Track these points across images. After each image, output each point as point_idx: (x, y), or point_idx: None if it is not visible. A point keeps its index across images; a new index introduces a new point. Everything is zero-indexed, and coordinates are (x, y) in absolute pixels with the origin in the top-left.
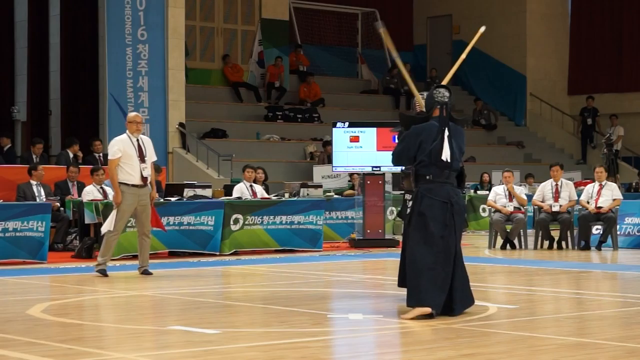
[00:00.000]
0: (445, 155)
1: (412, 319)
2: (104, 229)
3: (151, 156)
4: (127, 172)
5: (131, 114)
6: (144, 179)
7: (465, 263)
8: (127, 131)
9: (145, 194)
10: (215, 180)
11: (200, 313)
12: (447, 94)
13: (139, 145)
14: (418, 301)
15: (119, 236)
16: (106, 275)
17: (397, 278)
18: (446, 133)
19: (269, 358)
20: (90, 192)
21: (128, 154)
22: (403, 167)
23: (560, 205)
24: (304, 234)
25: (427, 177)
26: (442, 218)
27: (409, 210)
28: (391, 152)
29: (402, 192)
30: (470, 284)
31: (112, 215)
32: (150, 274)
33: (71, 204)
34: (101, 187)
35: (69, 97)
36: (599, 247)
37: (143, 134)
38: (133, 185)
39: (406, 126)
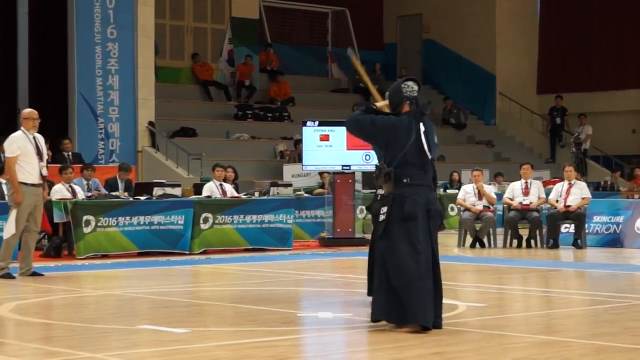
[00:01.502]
0: (426, 150)
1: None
2: (8, 232)
3: (45, 154)
4: (26, 171)
5: (27, 110)
6: (42, 177)
7: None
8: (23, 128)
9: (41, 193)
10: (185, 179)
11: (170, 312)
12: (415, 87)
13: (36, 143)
14: (417, 320)
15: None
16: (13, 277)
17: (366, 283)
18: (422, 129)
19: (238, 357)
20: (59, 191)
21: (27, 151)
22: (377, 164)
23: (530, 202)
24: (274, 233)
25: (405, 181)
26: (424, 223)
27: (382, 216)
28: (350, 119)
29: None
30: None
31: (13, 217)
32: (41, 275)
33: None
34: (70, 186)
35: (37, 95)
36: (575, 245)
37: (112, 132)
38: (32, 185)
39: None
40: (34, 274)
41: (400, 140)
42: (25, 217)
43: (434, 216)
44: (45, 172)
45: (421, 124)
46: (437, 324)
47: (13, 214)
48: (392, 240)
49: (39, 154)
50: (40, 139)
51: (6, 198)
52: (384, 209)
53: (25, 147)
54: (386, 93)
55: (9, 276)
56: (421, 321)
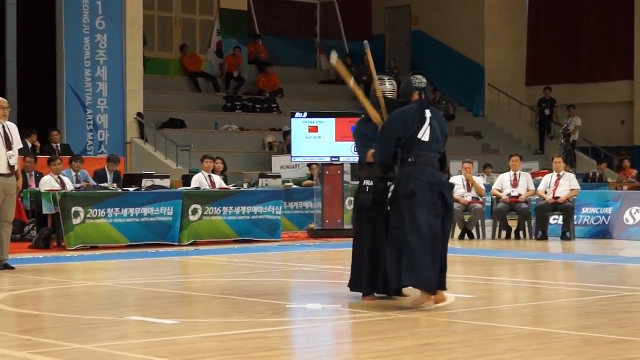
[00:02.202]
0: (425, 135)
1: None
2: None
3: (17, 143)
4: None
5: None
6: (10, 167)
7: None
8: None
9: (11, 183)
10: (173, 171)
11: (158, 303)
12: (424, 80)
13: (4, 132)
14: (418, 282)
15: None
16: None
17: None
18: (428, 114)
19: (226, 348)
20: (48, 182)
21: None
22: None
23: (519, 194)
24: (263, 224)
25: (410, 160)
26: (429, 199)
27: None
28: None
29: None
30: None
31: None
32: (12, 268)
33: (29, 194)
34: (59, 177)
35: (26, 87)
36: (563, 237)
37: (100, 124)
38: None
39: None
40: (6, 266)
41: (409, 125)
42: None
43: (445, 187)
44: (13, 161)
45: (427, 111)
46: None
47: None
48: (399, 216)
49: (7, 143)
50: (12, 128)
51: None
52: (369, 182)
53: None
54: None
55: None
56: (424, 286)
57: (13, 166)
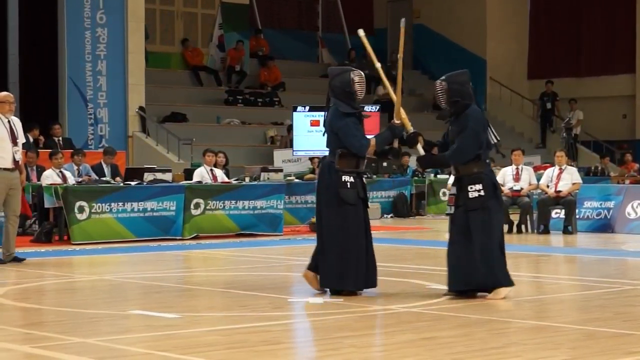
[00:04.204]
0: (492, 138)
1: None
2: None
3: (22, 138)
4: (1, 154)
5: (2, 94)
6: (15, 162)
7: (425, 247)
8: None
9: (16, 177)
10: (175, 165)
11: (161, 297)
12: None
13: (10, 127)
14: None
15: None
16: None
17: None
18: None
19: (229, 342)
20: (50, 176)
21: (2, 135)
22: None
23: (521, 188)
24: (265, 219)
25: (487, 161)
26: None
27: (476, 193)
28: (457, 149)
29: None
30: (431, 267)
31: None
32: (22, 260)
33: (30, 188)
34: (60, 171)
35: (27, 81)
36: (564, 231)
37: (100, 118)
38: (4, 169)
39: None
40: (15, 259)
41: (485, 127)
42: (1, 202)
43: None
44: (19, 156)
45: None
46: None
47: None
48: (490, 212)
49: (13, 138)
50: (17, 123)
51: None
52: (478, 186)
53: (1, 131)
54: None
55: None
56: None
57: (18, 161)
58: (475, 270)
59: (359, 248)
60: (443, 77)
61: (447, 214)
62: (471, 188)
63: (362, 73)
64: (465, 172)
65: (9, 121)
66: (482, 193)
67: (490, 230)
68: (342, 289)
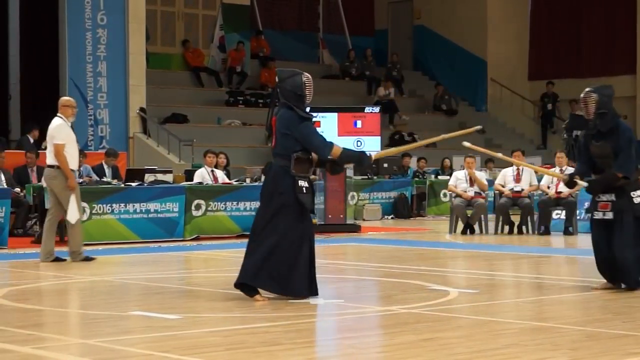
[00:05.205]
0: None
1: None
2: (73, 218)
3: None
4: (72, 158)
5: (66, 98)
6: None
7: (425, 248)
8: (62, 115)
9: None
10: (176, 165)
11: (161, 298)
12: None
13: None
14: None
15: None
16: (93, 259)
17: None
18: None
19: (229, 343)
20: None
21: (71, 139)
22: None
23: (522, 189)
24: None
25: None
26: None
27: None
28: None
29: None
30: (432, 268)
31: (73, 202)
32: (91, 259)
33: (31, 189)
34: None
35: (28, 81)
36: (565, 232)
37: (101, 119)
38: (72, 170)
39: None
40: (57, 259)
41: None
42: (67, 202)
43: None
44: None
45: None
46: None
47: (72, 199)
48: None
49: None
50: None
51: (52, 186)
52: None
53: (70, 134)
54: None
55: (88, 259)
56: None
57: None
58: None
59: (305, 254)
60: (591, 89)
61: (599, 219)
62: (634, 194)
63: (310, 76)
64: (627, 183)
65: (71, 125)
66: None
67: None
68: (289, 295)
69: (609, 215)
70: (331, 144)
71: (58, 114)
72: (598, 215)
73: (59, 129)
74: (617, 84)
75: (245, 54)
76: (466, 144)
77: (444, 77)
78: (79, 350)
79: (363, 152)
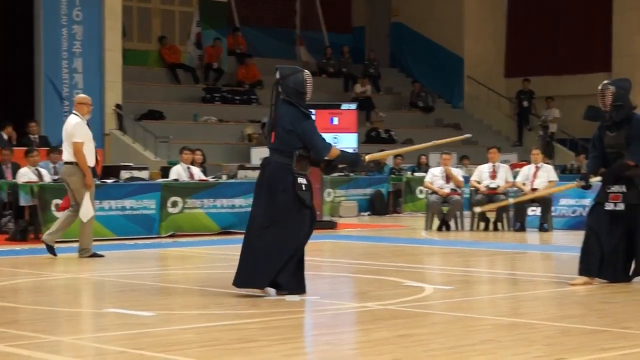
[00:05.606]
0: None
1: None
2: (87, 215)
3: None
4: (88, 155)
5: (82, 96)
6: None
7: (401, 244)
8: (78, 113)
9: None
10: (152, 162)
11: (137, 296)
12: None
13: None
14: None
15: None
16: (102, 256)
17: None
18: None
19: (204, 340)
20: (25, 174)
21: (88, 137)
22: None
23: (498, 186)
24: (242, 217)
25: None
26: None
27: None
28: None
29: (343, 173)
30: (408, 265)
31: (87, 199)
32: (101, 255)
33: (6, 186)
34: (36, 169)
35: (3, 78)
36: (540, 229)
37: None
38: (89, 168)
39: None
40: (94, 254)
41: None
42: (82, 198)
43: None
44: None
45: None
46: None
47: (87, 197)
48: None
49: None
50: None
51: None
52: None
53: (87, 132)
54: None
55: (97, 255)
56: None
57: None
58: None
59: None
60: (609, 81)
61: (610, 210)
62: None
63: (310, 74)
64: (636, 172)
65: (87, 122)
66: None
67: None
68: (299, 292)
69: (621, 207)
70: (330, 146)
71: (74, 112)
72: (609, 206)
73: (77, 127)
74: (592, 81)
75: (222, 50)
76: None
77: (420, 74)
78: (54, 348)
79: (357, 154)
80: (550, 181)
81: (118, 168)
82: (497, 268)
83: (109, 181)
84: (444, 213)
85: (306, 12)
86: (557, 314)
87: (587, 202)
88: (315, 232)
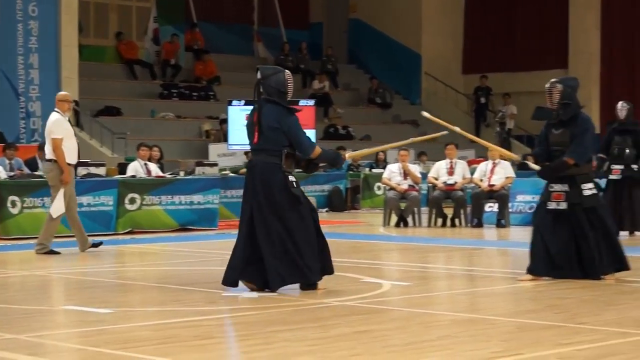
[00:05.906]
0: None
1: None
2: (58, 211)
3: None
4: (70, 152)
5: (62, 93)
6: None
7: (359, 241)
8: (59, 110)
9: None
10: (109, 159)
11: (93, 292)
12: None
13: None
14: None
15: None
16: (58, 253)
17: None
18: None
19: (162, 337)
20: None
21: (69, 133)
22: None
23: (455, 182)
24: (200, 213)
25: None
26: None
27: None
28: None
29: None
30: (366, 261)
31: (60, 196)
32: (100, 243)
33: None
34: None
35: None
36: (498, 225)
37: (32, 111)
38: (69, 165)
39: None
40: (52, 252)
41: None
42: (68, 195)
43: None
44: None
45: None
46: None
47: (60, 193)
48: (604, 208)
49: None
50: None
51: (48, 179)
52: (590, 185)
53: (68, 129)
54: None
55: (53, 252)
56: None
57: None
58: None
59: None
60: (556, 80)
61: (552, 209)
62: (584, 187)
63: (291, 74)
64: (579, 171)
65: (68, 119)
66: (594, 191)
67: (606, 222)
68: (315, 281)
69: (563, 206)
70: (314, 144)
71: (55, 109)
72: (552, 205)
73: (58, 124)
74: (549, 77)
75: (180, 46)
76: (425, 114)
77: (378, 70)
78: (9, 346)
79: (337, 153)
80: (507, 177)
81: (75, 165)
82: (454, 264)
83: None
84: (402, 209)
85: (264, 8)
86: (514, 310)
87: None
88: None
